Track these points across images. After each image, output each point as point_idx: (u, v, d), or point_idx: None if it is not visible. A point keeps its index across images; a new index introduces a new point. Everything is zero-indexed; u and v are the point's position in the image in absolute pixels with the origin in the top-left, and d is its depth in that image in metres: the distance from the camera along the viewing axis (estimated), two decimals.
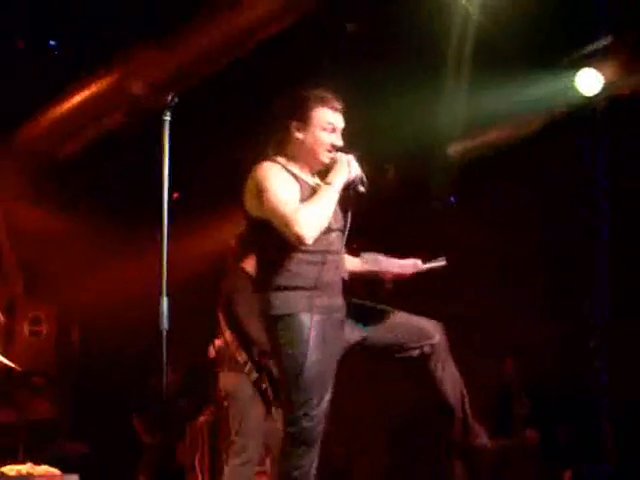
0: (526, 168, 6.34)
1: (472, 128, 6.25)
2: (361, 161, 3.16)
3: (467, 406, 3.25)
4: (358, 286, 3.27)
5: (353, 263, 3.38)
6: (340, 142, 3.18)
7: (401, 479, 6.71)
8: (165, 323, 2.83)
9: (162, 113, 3.01)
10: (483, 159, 6.32)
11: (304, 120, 3.15)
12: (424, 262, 3.36)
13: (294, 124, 3.16)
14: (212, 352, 5.97)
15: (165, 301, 2.85)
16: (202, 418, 6.41)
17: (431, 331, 3.24)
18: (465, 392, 3.26)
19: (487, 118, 6.07)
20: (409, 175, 6.69)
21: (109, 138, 6.47)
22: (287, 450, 3.07)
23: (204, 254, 7.38)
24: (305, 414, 3.00)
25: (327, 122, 3.15)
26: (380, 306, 3.28)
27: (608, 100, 5.73)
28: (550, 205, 6.35)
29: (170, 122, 3.00)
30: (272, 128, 3.27)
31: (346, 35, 5.92)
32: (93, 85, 6.06)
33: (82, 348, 8.08)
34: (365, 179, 3.13)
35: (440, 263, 3.34)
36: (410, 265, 3.36)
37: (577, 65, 5.72)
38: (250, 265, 4.53)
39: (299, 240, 2.97)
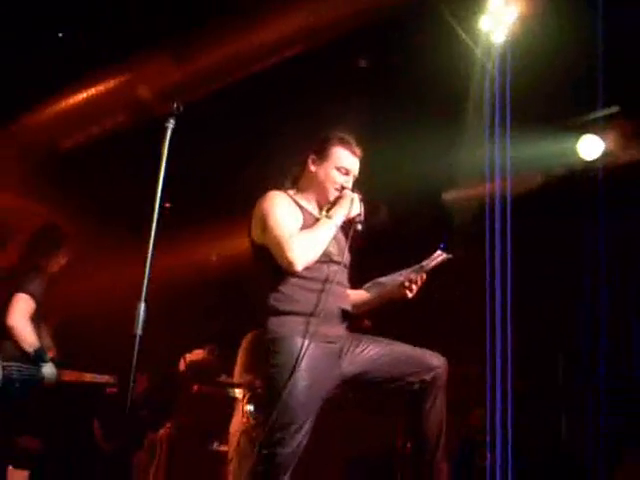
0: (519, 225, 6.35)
1: (469, 178, 6.27)
2: (364, 202, 3.23)
3: (440, 447, 3.21)
4: None
5: (359, 295, 3.40)
6: (350, 185, 3.27)
7: None
8: (140, 328, 2.80)
9: (166, 120, 3.01)
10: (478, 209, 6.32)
11: (321, 155, 3.27)
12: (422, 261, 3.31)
13: (311, 157, 3.28)
14: (182, 365, 5.96)
15: (142, 307, 2.82)
16: (162, 431, 6.33)
17: (433, 363, 3.21)
18: (444, 431, 3.22)
19: (485, 170, 6.09)
20: (401, 217, 6.69)
21: (110, 138, 6.45)
22: (256, 472, 3.02)
23: (184, 266, 7.37)
24: (281, 439, 2.96)
25: (342, 163, 3.25)
26: (380, 339, 3.26)
27: (606, 167, 5.77)
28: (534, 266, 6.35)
29: (173, 130, 2.99)
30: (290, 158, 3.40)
31: (357, 70, 5.97)
32: (101, 83, 6.07)
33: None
34: (364, 219, 3.20)
35: (442, 256, 3.26)
36: (413, 272, 3.31)
37: (580, 130, 5.78)
38: None
39: (290, 266, 3.02)
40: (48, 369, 4.37)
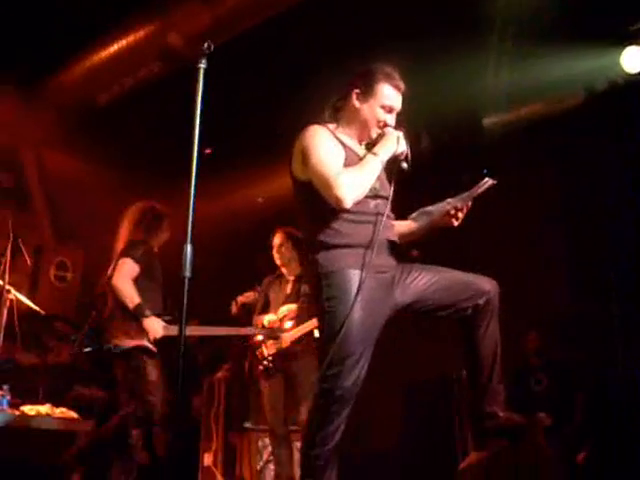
0: (562, 144, 6.24)
1: (511, 100, 6.14)
2: (406, 134, 3.19)
3: (496, 371, 3.21)
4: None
5: (404, 225, 3.39)
6: (392, 123, 3.23)
7: (413, 439, 6.70)
8: (188, 271, 2.81)
9: (197, 61, 2.97)
10: (519, 132, 6.22)
11: (367, 91, 3.21)
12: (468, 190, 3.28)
13: (356, 92, 3.23)
14: (234, 308, 6.00)
15: (189, 249, 2.83)
16: (219, 374, 6.41)
17: (485, 288, 3.20)
18: (499, 354, 3.22)
19: (527, 91, 5.96)
20: (443, 145, 6.60)
21: (146, 88, 6.44)
22: (318, 407, 3.04)
23: (230, 210, 7.40)
24: (340, 372, 2.97)
25: (388, 101, 3.21)
26: (430, 266, 3.25)
27: None
28: (580, 185, 6.27)
29: (206, 72, 2.95)
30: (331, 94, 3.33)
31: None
32: (131, 34, 6.04)
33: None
34: (410, 157, 3.16)
35: (488, 183, 3.23)
36: (460, 200, 3.29)
37: (623, 42, 5.60)
38: None
39: (338, 203, 3.00)
40: (150, 323, 4.64)
